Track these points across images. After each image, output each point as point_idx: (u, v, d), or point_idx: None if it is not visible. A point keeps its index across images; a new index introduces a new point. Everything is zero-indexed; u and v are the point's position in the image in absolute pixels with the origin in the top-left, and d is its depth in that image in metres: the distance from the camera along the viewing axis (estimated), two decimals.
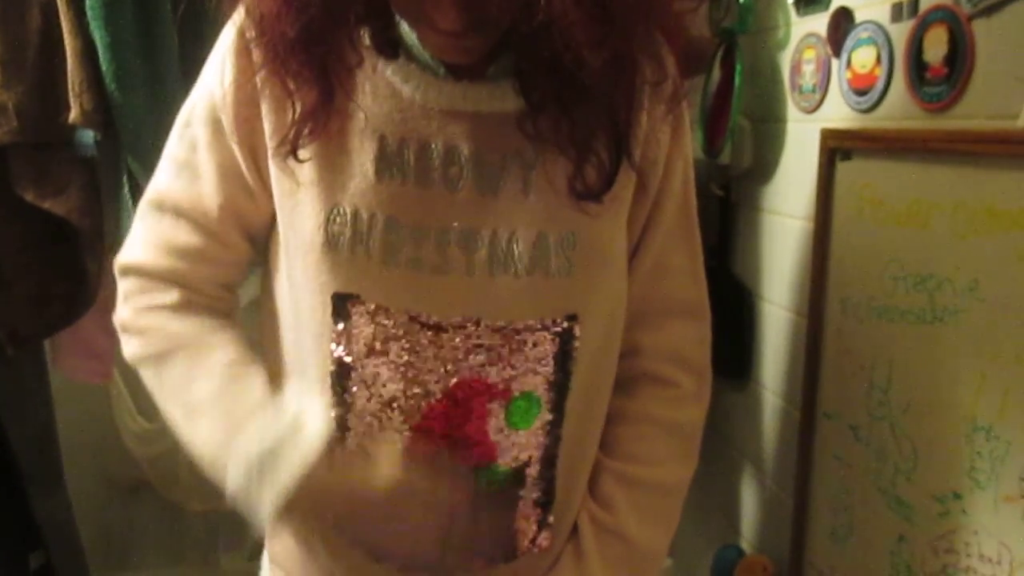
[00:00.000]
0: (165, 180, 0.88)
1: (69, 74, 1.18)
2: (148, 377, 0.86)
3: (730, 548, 1.42)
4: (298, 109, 0.77)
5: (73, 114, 1.17)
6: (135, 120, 1.20)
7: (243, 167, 0.84)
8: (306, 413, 0.78)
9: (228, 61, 0.82)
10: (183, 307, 0.86)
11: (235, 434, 0.78)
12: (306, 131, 0.77)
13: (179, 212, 0.86)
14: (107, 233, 1.26)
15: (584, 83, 0.71)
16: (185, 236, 0.86)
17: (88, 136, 1.20)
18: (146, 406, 1.81)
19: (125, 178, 1.24)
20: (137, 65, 1.19)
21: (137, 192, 1.25)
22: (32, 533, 1.41)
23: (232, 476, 0.76)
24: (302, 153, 0.78)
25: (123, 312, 0.88)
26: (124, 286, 0.89)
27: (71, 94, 1.17)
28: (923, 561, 1.01)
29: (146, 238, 0.88)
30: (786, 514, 1.30)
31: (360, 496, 0.77)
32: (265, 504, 0.75)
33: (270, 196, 0.85)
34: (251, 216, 0.87)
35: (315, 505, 0.76)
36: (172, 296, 0.86)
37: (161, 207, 0.87)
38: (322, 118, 0.77)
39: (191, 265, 0.86)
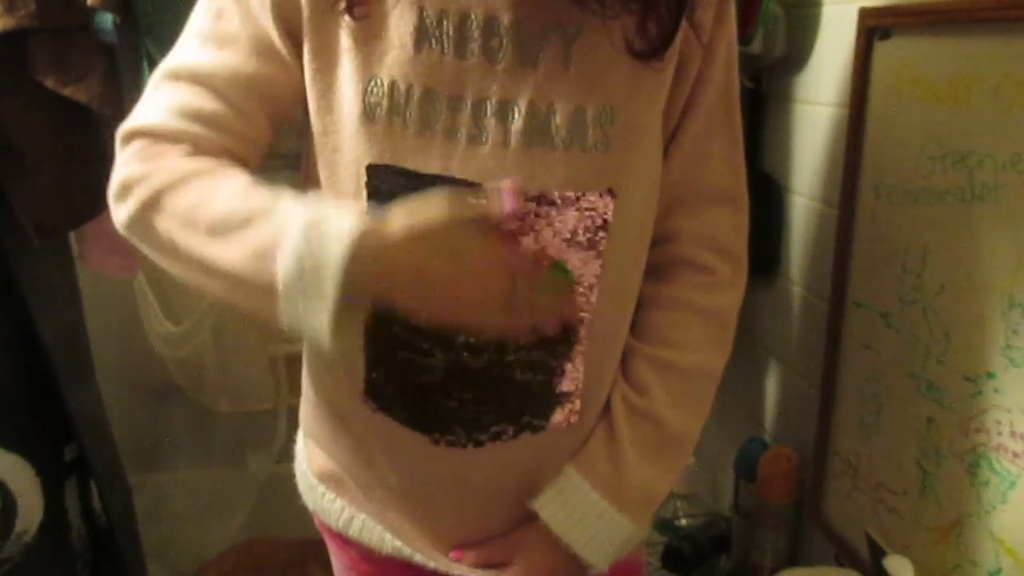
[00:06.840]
0: (184, 53, 0.83)
1: None
2: (156, 215, 0.76)
3: (755, 441, 1.42)
4: None
5: None
6: (152, 2, 1.18)
7: (275, 37, 0.81)
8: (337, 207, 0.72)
9: None
10: (192, 154, 0.79)
11: (277, 236, 0.69)
12: None
13: (197, 79, 0.80)
14: None
15: None
16: (200, 101, 0.80)
17: (107, 20, 1.18)
18: (172, 309, 1.83)
19: (145, 63, 1.22)
20: None
21: None
22: (65, 426, 1.43)
23: (284, 274, 0.68)
24: (358, 11, 0.78)
25: (124, 170, 0.79)
26: (127, 150, 0.80)
27: None
28: (952, 442, 1.01)
29: (157, 104, 0.81)
30: (812, 406, 1.30)
31: (416, 247, 0.69)
32: (328, 291, 0.66)
33: (302, 72, 0.82)
34: (279, 91, 0.83)
35: (378, 276, 0.68)
36: (182, 149, 0.79)
37: (178, 76, 0.81)
38: None
39: (205, 129, 0.80)
